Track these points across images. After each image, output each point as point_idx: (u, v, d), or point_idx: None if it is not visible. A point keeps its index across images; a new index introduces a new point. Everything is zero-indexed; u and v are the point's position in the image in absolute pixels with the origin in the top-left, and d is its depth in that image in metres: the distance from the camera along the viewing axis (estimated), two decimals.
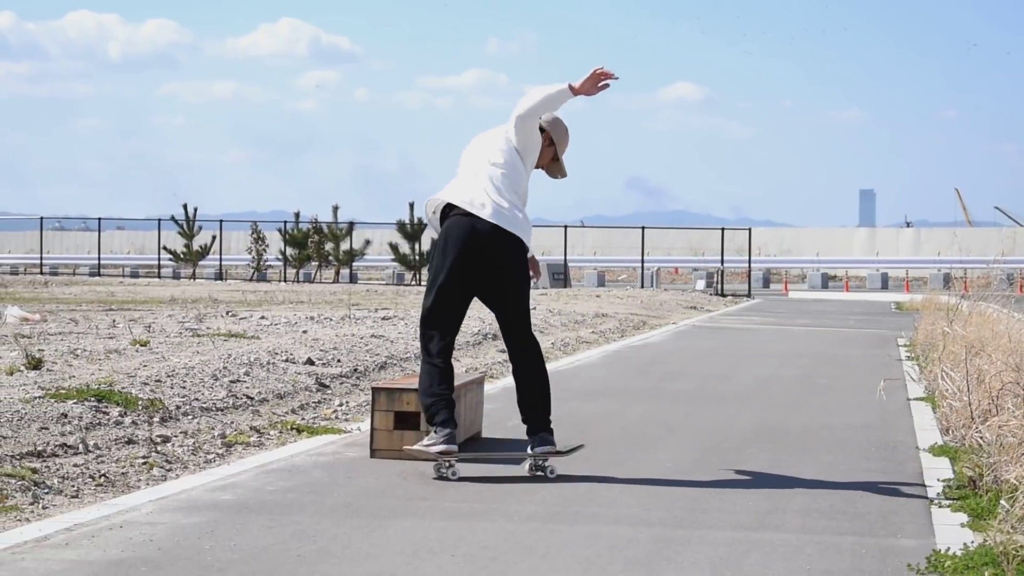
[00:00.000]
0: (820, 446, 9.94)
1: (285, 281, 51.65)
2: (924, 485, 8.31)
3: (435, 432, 8.28)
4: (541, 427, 8.47)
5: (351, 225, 53.44)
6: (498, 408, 11.65)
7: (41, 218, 65.24)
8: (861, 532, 6.97)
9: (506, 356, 17.06)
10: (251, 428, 10.32)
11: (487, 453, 9.15)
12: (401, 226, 50.88)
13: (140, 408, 10.32)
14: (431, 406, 8.37)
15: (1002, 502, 7.05)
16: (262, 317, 21.70)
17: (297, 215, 55.06)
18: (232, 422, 10.53)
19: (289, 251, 54.30)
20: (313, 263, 54.16)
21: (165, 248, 56.12)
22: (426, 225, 49.25)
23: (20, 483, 7.80)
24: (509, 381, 14.25)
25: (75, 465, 8.47)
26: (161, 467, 8.69)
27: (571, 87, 8.39)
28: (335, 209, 53.77)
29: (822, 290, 51.25)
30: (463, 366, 15.43)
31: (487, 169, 8.50)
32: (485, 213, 8.37)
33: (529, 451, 8.46)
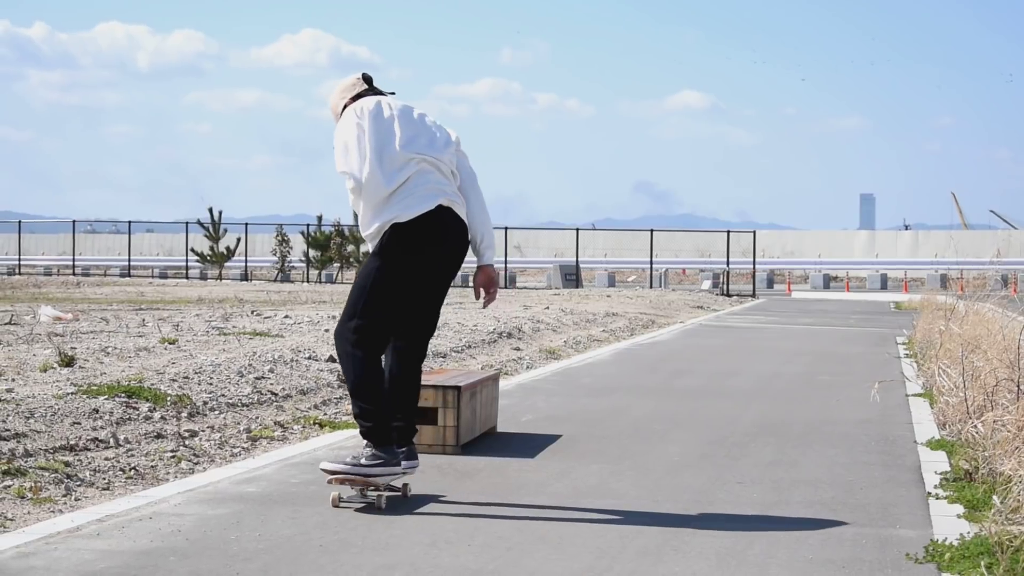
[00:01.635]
0: (822, 440, 9.93)
1: (308, 282, 51.67)
2: (922, 478, 8.29)
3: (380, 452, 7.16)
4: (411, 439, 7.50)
5: None
6: (513, 404, 11.66)
7: (73, 221, 65.36)
8: (861, 523, 6.96)
9: (520, 353, 17.10)
10: (275, 423, 10.34)
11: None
12: None
13: (169, 404, 10.34)
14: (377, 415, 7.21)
15: (995, 497, 7.05)
16: (286, 316, 21.71)
17: (320, 218, 55.13)
18: (257, 417, 10.54)
19: (312, 253, 54.35)
20: (335, 264, 54.19)
21: (192, 250, 56.20)
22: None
23: (53, 476, 7.82)
24: (522, 378, 14.26)
25: (106, 458, 8.48)
26: (189, 460, 8.70)
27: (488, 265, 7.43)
28: (356, 213, 53.80)
29: (824, 290, 51.19)
30: (479, 363, 15.43)
31: (445, 162, 7.30)
32: (461, 210, 7.32)
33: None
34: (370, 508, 7.10)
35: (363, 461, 7.09)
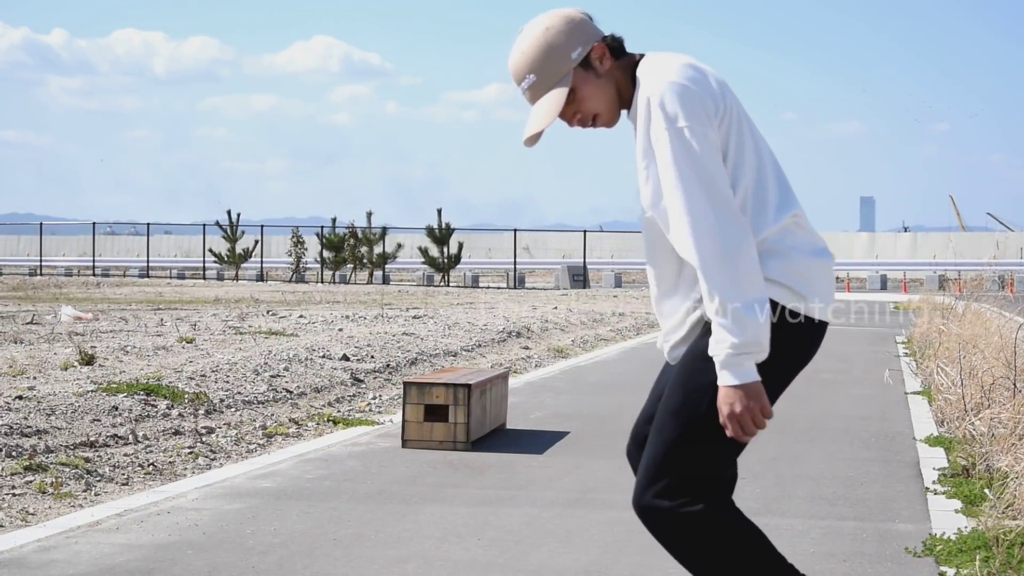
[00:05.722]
0: (823, 436, 9.92)
1: (322, 282, 51.68)
2: (920, 473, 8.28)
3: None
4: None
5: (384, 230, 53.43)
6: (522, 401, 11.66)
7: (93, 223, 65.35)
8: (861, 517, 6.95)
9: (529, 352, 17.09)
10: (290, 420, 10.34)
11: None
12: (430, 231, 50.91)
13: (186, 401, 10.34)
14: None
15: (987, 491, 7.03)
16: (300, 316, 21.72)
17: (334, 221, 55.12)
18: (272, 414, 10.54)
19: (326, 254, 54.35)
20: (348, 265, 54.20)
21: (210, 251, 56.23)
22: (450, 230, 49.76)
23: (74, 471, 7.83)
24: (531, 376, 14.26)
25: (125, 455, 8.49)
26: (206, 456, 8.71)
27: None
28: (369, 215, 53.83)
29: None
30: (488, 361, 15.43)
31: None
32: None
33: None
34: (395, 497, 7.10)
35: None
